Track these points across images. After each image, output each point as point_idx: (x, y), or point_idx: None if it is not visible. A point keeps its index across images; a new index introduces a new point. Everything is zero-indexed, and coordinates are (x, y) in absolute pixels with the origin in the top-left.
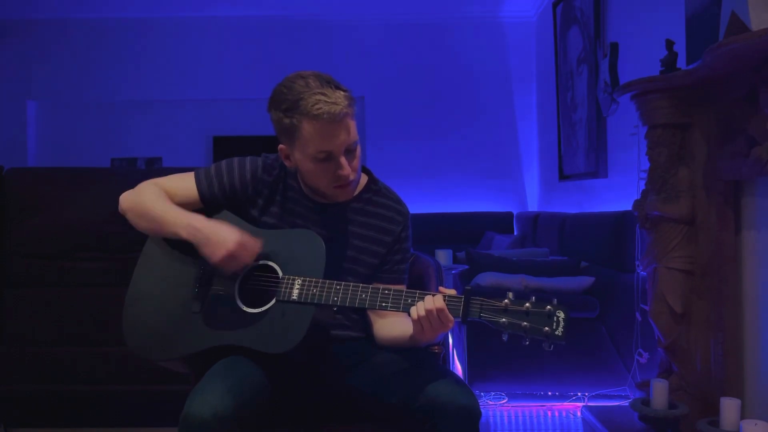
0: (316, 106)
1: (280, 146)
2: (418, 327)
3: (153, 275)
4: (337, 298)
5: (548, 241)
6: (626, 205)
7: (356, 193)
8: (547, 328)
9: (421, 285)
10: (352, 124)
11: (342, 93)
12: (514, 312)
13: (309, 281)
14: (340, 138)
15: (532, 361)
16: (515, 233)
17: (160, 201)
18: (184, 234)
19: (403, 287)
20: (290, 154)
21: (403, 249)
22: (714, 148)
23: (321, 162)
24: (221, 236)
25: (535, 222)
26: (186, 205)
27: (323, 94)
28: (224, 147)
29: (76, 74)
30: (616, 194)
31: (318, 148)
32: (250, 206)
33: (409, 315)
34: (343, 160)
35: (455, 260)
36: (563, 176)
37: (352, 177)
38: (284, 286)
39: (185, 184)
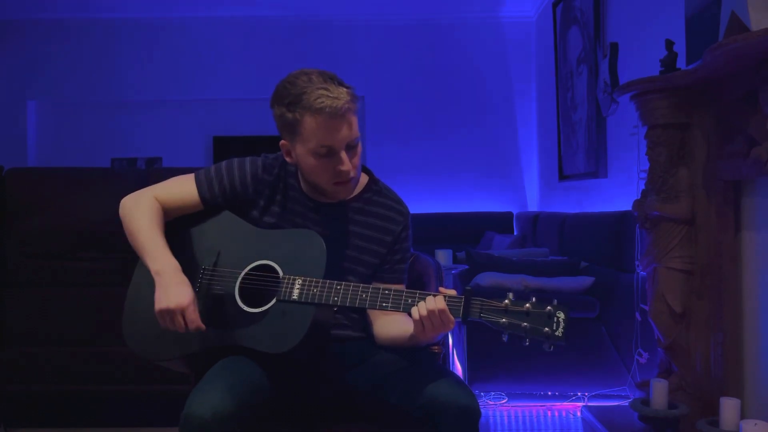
0: (319, 101)
1: (282, 142)
2: (419, 327)
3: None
4: (338, 297)
5: (548, 241)
6: (626, 205)
7: (357, 192)
8: (547, 329)
9: (421, 285)
10: (354, 120)
11: (345, 89)
12: (514, 312)
13: (309, 281)
14: (342, 133)
15: (532, 361)
16: (515, 233)
17: (147, 225)
18: (152, 271)
19: (402, 287)
20: (292, 149)
21: (403, 249)
22: (714, 148)
23: (322, 157)
24: (174, 291)
25: (535, 222)
26: (188, 209)
27: (326, 89)
28: (224, 147)
29: (76, 74)
30: (615, 194)
31: (319, 143)
32: (251, 207)
33: (410, 315)
34: (343, 155)
35: (455, 260)
36: (563, 176)
37: (352, 174)
38: (285, 285)
39: (186, 187)
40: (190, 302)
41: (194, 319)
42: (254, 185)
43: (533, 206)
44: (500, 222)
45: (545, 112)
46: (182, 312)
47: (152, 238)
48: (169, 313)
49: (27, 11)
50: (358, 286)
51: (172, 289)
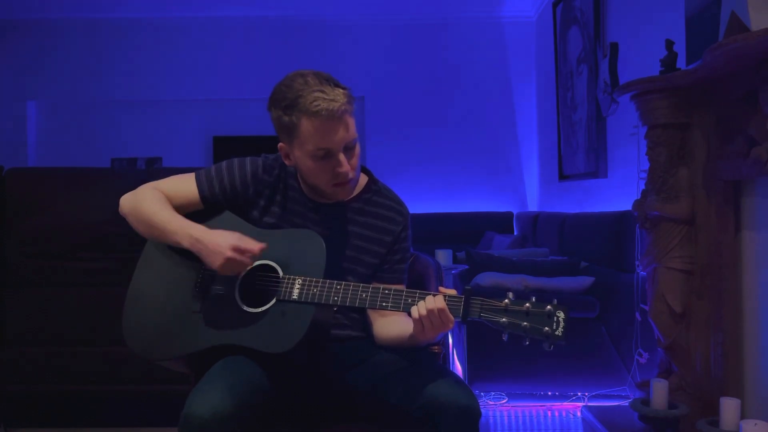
0: (315, 103)
1: (280, 144)
2: (418, 326)
3: (153, 275)
4: (338, 297)
5: (548, 241)
6: (626, 205)
7: (356, 193)
8: (547, 328)
9: (421, 285)
10: (351, 122)
11: (341, 91)
12: (514, 312)
13: (309, 281)
14: (339, 135)
15: (532, 361)
16: (515, 233)
17: (160, 207)
18: (186, 244)
19: (402, 287)
20: (290, 152)
21: (402, 249)
22: (714, 148)
23: (320, 160)
24: (218, 243)
25: (535, 222)
26: (187, 207)
27: (322, 91)
28: (224, 147)
29: (76, 74)
30: (616, 194)
31: (317, 146)
32: (251, 207)
33: (410, 314)
34: (342, 157)
35: (455, 260)
36: (563, 176)
37: (351, 175)
38: (284, 285)
39: (186, 186)
40: (238, 236)
41: (252, 246)
42: (254, 185)
43: (533, 206)
44: (500, 222)
45: (545, 112)
46: (238, 251)
47: (170, 217)
48: (231, 261)
49: (27, 11)
50: (358, 286)
51: (214, 244)
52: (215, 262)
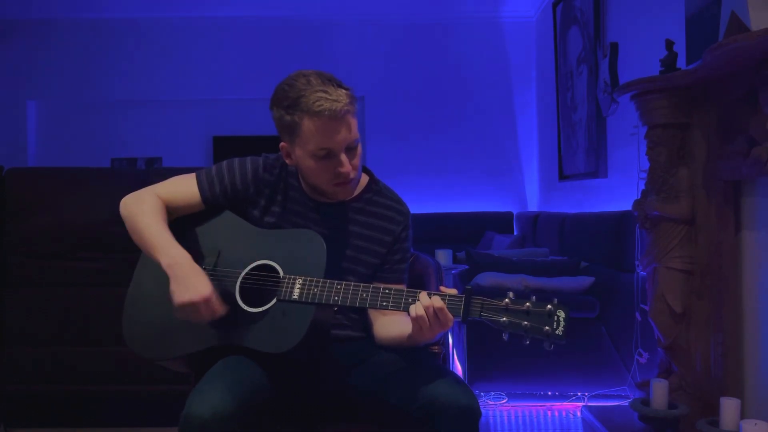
0: (317, 103)
1: (282, 144)
2: (416, 326)
3: (153, 275)
4: (338, 297)
5: (548, 241)
6: (626, 205)
7: (357, 193)
8: (547, 328)
9: (421, 285)
10: (353, 122)
11: (343, 91)
12: (514, 311)
13: (310, 281)
14: (341, 135)
15: (532, 361)
16: (515, 233)
17: (153, 220)
18: (164, 264)
19: (403, 287)
20: (291, 151)
21: (403, 249)
22: (714, 148)
23: (321, 159)
24: (193, 283)
25: (535, 222)
26: (189, 209)
27: (324, 91)
28: (224, 147)
29: (76, 74)
30: (616, 194)
31: (318, 145)
32: (252, 206)
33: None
34: (343, 157)
35: (455, 260)
36: (563, 176)
37: (352, 175)
38: (285, 285)
39: (187, 187)
40: (212, 292)
41: (218, 308)
42: (255, 184)
43: (533, 206)
44: (500, 222)
45: (545, 112)
46: (206, 303)
47: (159, 232)
48: (193, 305)
49: (27, 11)
50: (359, 286)
51: (191, 281)
52: (178, 297)
